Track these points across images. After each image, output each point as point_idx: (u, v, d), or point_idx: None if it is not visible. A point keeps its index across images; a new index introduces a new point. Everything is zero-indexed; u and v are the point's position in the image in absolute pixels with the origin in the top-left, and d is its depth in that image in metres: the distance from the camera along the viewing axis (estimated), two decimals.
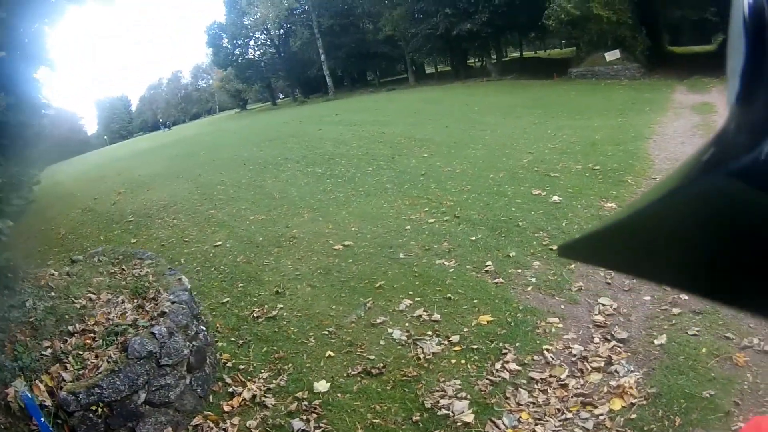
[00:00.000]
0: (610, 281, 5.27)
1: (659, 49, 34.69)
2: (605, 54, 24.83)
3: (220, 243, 8.20)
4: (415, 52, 39.29)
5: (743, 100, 0.35)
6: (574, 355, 4.28)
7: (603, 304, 4.92)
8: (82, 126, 74.01)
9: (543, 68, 30.30)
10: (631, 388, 3.81)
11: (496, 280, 5.67)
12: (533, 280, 5.56)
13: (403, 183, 9.93)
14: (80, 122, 72.56)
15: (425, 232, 7.33)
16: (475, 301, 5.30)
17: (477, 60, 47.72)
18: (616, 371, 4.04)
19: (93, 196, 14.02)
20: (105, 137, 72.82)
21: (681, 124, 12.76)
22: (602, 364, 4.13)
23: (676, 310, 4.61)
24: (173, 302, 4.51)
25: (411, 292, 5.68)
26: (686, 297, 4.68)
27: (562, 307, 5.00)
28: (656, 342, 4.25)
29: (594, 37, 25.46)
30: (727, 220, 0.33)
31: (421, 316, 5.16)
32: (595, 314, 4.80)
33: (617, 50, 24.77)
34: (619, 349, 4.29)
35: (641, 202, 0.41)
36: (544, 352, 4.35)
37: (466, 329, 4.81)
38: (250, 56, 56.11)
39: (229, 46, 54.34)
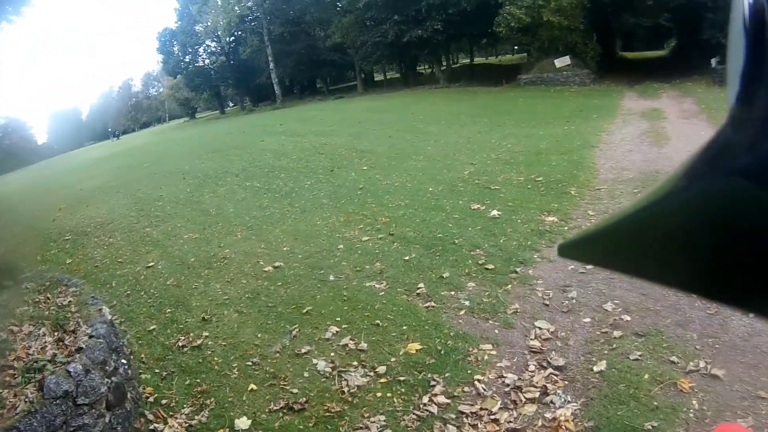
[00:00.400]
0: (548, 302, 5.13)
1: (611, 55, 35.43)
2: (555, 60, 25.18)
3: (152, 264, 7.99)
4: (364, 59, 39.28)
5: (743, 100, 0.37)
6: (508, 385, 4.08)
7: (540, 328, 4.74)
8: (32, 135, 73.70)
9: (493, 75, 30.59)
10: (567, 421, 3.62)
11: (428, 304, 5.46)
12: (467, 303, 5.37)
13: (340, 198, 9.74)
14: (30, 131, 71.93)
15: (358, 251, 7.11)
16: (405, 327, 5.07)
17: (428, 67, 48.01)
18: (551, 402, 3.84)
19: (35, 211, 13.83)
20: (55, 146, 71.40)
21: (629, 131, 12.90)
22: (537, 394, 3.94)
23: (617, 333, 4.47)
24: (91, 336, 4.24)
25: (338, 318, 5.44)
26: (628, 318, 4.62)
27: (497, 332, 4.80)
28: (595, 369, 4.08)
29: (544, 43, 25.84)
30: (728, 220, 0.34)
31: (347, 344, 4.92)
32: (531, 339, 4.62)
33: (567, 56, 25.14)
34: (555, 377, 4.11)
35: (642, 202, 0.43)
36: (475, 382, 4.14)
37: (393, 359, 4.58)
38: (200, 64, 56.18)
39: (180, 54, 54.33)
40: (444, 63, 39.12)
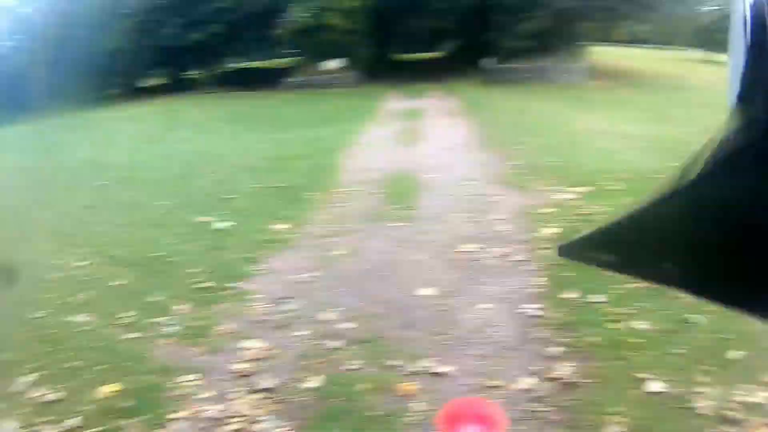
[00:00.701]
0: (263, 318, 4.80)
1: (384, 56, 36.53)
2: (324, 63, 25.35)
3: None
4: (136, 65, 36.98)
5: (743, 100, 0.37)
6: (209, 419, 3.68)
7: (248, 348, 4.40)
8: None
9: (265, 78, 30.19)
10: None
11: (133, 335, 4.91)
12: (175, 328, 4.89)
13: (62, 218, 8.78)
14: None
15: (70, 280, 6.36)
16: (105, 366, 4.49)
17: (201, 71, 46.71)
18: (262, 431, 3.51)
19: None
20: None
21: (383, 133, 13.23)
22: (244, 424, 3.58)
23: (334, 343, 4.23)
24: None
25: (35, 364, 4.71)
26: (351, 326, 4.45)
27: (203, 358, 4.39)
28: (310, 385, 3.79)
29: (320, 45, 25.87)
30: (729, 220, 0.35)
31: (43, 395, 4.24)
32: (238, 362, 4.26)
33: (338, 59, 25.38)
34: (266, 401, 3.77)
35: (642, 202, 0.44)
36: (170, 423, 3.69)
37: (88, 407, 3.99)
38: None
39: None
40: (213, 67, 38.08)
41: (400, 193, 8.02)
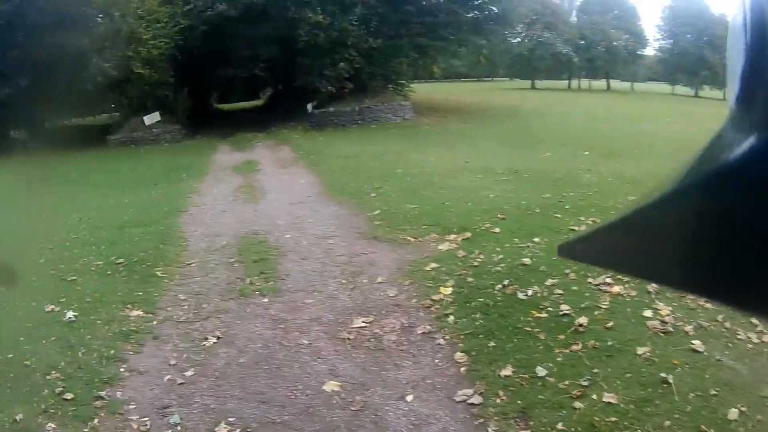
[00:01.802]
0: None
1: (205, 107, 35.75)
2: (144, 117, 24.15)
3: None
4: None
5: (743, 100, 0.38)
6: None
7: None
8: None
9: (84, 137, 28.17)
10: None
11: None
12: None
13: None
14: None
15: None
16: None
17: (21, 130, 43.34)
18: None
19: None
20: None
21: (221, 190, 12.53)
22: None
23: None
24: None
25: None
26: None
27: None
28: None
29: (133, 99, 24.71)
30: (728, 220, 0.35)
31: None
32: None
33: (157, 113, 24.33)
34: None
35: (642, 201, 0.45)
36: None
37: None
38: None
39: None
40: (34, 126, 35.38)
41: (258, 260, 7.35)
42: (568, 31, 54.85)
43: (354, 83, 24.17)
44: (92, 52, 23.22)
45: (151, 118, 24.23)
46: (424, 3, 26.53)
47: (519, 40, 55.92)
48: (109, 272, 7.54)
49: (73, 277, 7.55)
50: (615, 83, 60.20)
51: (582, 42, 55.13)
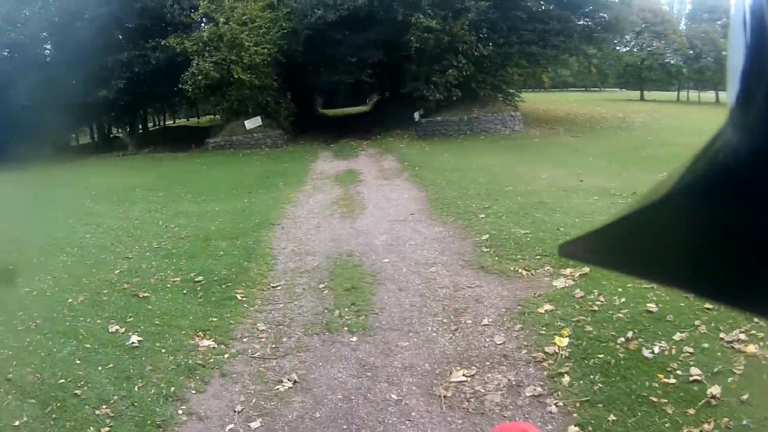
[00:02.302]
0: None
1: (309, 112, 35.63)
2: (245, 122, 23.98)
3: None
4: (49, 123, 34.73)
5: (743, 100, 0.37)
6: None
7: None
8: None
9: (185, 139, 28.58)
10: None
11: None
12: None
13: None
14: None
15: None
16: None
17: (123, 130, 45.00)
18: None
19: None
20: None
21: (318, 201, 11.84)
22: None
23: None
24: None
25: None
26: None
27: None
28: None
29: (234, 103, 24.55)
30: (727, 220, 0.36)
31: None
32: None
33: (258, 117, 24.13)
34: None
35: (642, 201, 0.45)
36: None
37: None
38: None
39: None
40: (130, 127, 36.36)
41: (350, 288, 6.49)
42: (677, 40, 51.83)
43: (462, 91, 23.13)
44: (194, 56, 23.51)
45: (253, 123, 24.03)
46: (534, 9, 25.47)
47: (628, 49, 53.23)
48: (185, 291, 6.89)
49: (146, 294, 6.95)
50: (724, 95, 56.76)
51: (691, 52, 51.94)
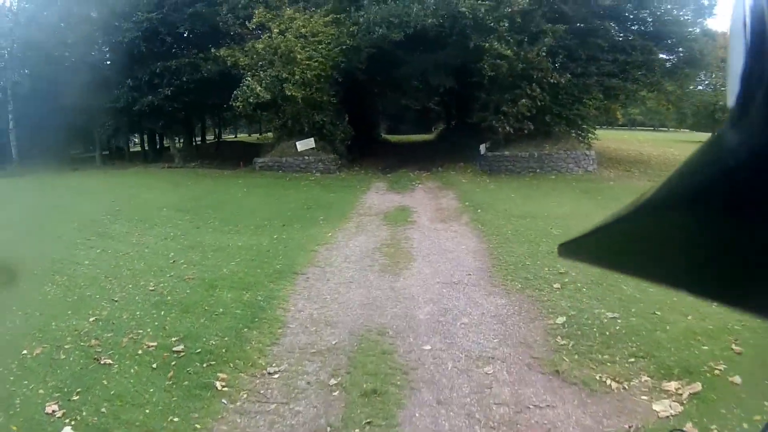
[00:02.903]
0: None
1: (369, 137, 34.24)
2: (297, 143, 22.66)
3: None
4: (99, 127, 34.33)
5: (743, 101, 0.38)
6: None
7: None
8: None
9: (238, 155, 27.57)
10: None
11: None
12: None
13: None
14: None
15: None
16: None
17: (174, 141, 44.68)
18: None
19: None
20: None
21: (359, 245, 10.24)
22: None
23: None
24: None
25: None
26: None
27: None
28: None
29: (287, 121, 23.30)
30: (727, 219, 0.37)
31: None
32: None
33: (311, 139, 22.78)
34: None
35: (641, 200, 0.45)
36: None
37: None
38: None
39: None
40: (182, 139, 35.64)
41: (371, 390, 4.71)
42: None
43: (534, 125, 21.19)
44: (246, 70, 22.49)
45: (305, 144, 22.65)
46: (616, 38, 23.20)
47: (701, 87, 49.73)
48: (155, 365, 5.34)
49: (109, 360, 5.46)
50: None
51: None
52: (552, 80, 20.66)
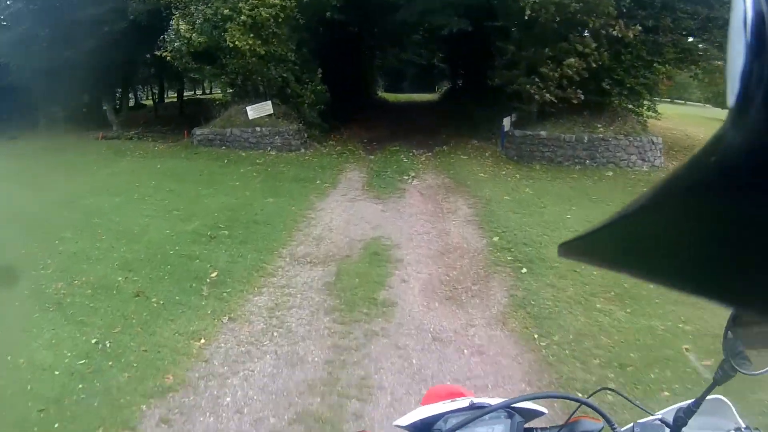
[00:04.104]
0: None
1: (360, 98, 28.91)
2: (248, 108, 17.21)
3: None
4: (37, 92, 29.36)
5: (743, 101, 0.38)
6: None
7: None
8: None
9: (191, 119, 21.94)
10: None
11: None
12: None
13: None
14: None
15: None
16: None
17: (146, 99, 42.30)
18: None
19: None
20: None
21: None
22: None
23: None
24: None
25: None
26: None
27: None
28: None
29: (236, 78, 17.95)
30: (727, 219, 0.37)
31: None
32: None
33: (269, 102, 17.38)
34: None
35: (641, 199, 0.46)
36: None
37: None
38: None
39: None
40: (122, 100, 30.18)
41: None
42: None
43: (585, 95, 14.85)
44: (176, 9, 17.60)
45: (258, 110, 17.06)
46: None
47: None
48: None
49: None
50: None
51: None
52: (616, 32, 14.30)
